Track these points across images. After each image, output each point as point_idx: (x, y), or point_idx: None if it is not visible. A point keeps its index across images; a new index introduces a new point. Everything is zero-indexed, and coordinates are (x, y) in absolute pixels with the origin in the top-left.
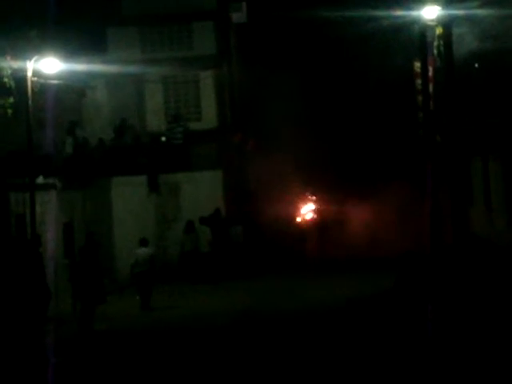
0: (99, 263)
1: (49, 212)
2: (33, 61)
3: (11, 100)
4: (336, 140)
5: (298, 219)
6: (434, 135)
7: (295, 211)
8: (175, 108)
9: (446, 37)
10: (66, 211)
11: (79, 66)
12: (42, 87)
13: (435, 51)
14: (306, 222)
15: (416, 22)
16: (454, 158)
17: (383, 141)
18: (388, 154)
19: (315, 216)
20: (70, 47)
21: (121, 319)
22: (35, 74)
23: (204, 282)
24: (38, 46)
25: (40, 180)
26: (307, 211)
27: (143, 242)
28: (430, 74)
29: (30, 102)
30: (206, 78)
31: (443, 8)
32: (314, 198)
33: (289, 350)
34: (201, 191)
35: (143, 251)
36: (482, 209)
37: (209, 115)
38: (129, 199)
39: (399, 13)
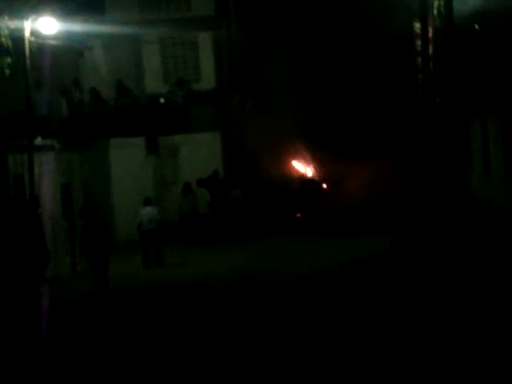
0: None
1: (47, 173)
2: (30, 21)
3: (9, 60)
4: (335, 100)
5: (297, 180)
6: (433, 97)
7: (294, 172)
8: (174, 69)
9: None
10: (65, 172)
11: (77, 27)
12: (40, 47)
13: (435, 11)
14: (305, 182)
15: None
16: (453, 119)
17: (382, 101)
18: (387, 114)
19: (314, 177)
20: (68, 7)
21: (121, 279)
22: (33, 34)
23: (202, 243)
24: (35, 6)
25: (38, 141)
26: (306, 172)
27: (147, 201)
28: (430, 34)
29: (27, 62)
30: (205, 40)
31: None
32: (313, 158)
33: (285, 314)
34: (199, 153)
35: (147, 210)
36: (481, 171)
37: (207, 76)
38: (127, 161)
39: None
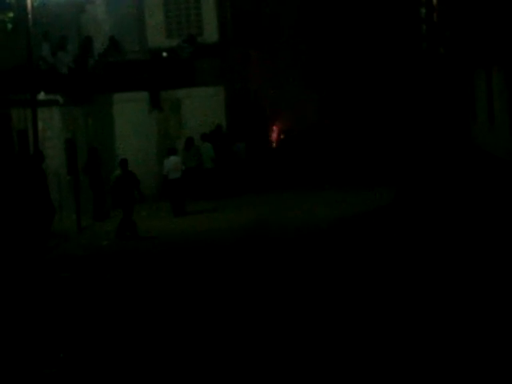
0: (102, 178)
1: (50, 128)
2: None
3: (11, 15)
4: (338, 51)
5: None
6: (437, 48)
7: (298, 126)
8: (176, 23)
9: None
10: (68, 127)
11: None
12: (42, 2)
13: None
14: (308, 136)
15: None
16: (458, 70)
17: (386, 52)
18: (391, 66)
19: (318, 130)
20: None
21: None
22: None
23: (206, 198)
24: None
25: (41, 96)
26: (309, 126)
27: (172, 151)
28: None
29: (29, 16)
30: None
31: None
32: (317, 112)
33: (291, 270)
34: (203, 107)
35: (173, 160)
36: (485, 121)
37: (210, 30)
38: (130, 115)
39: None
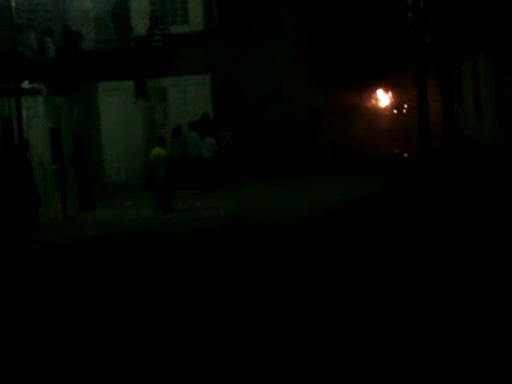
0: (87, 167)
1: (35, 117)
2: None
3: None
4: (324, 40)
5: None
6: (423, 36)
7: (285, 114)
8: (162, 12)
9: None
10: (53, 116)
11: None
12: None
13: None
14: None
15: None
16: (444, 57)
17: (373, 41)
18: (378, 55)
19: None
20: None
21: (108, 224)
22: None
23: (193, 187)
24: None
25: (25, 85)
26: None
27: (161, 142)
28: None
29: (13, 4)
30: None
31: None
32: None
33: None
34: (189, 96)
35: (158, 151)
36: (472, 108)
37: (196, 18)
38: (116, 104)
39: None
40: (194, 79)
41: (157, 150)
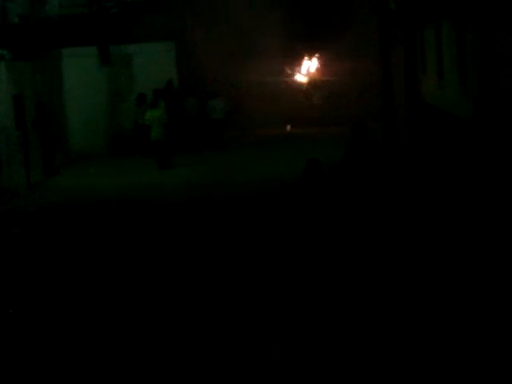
0: (52, 133)
1: None
2: None
3: None
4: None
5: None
6: (387, 2)
7: (247, 80)
8: None
9: None
10: (16, 83)
11: None
12: None
13: None
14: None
15: None
16: (408, 24)
17: (337, 9)
18: (343, 21)
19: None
20: None
21: (72, 191)
22: None
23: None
24: None
25: None
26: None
27: (154, 104)
28: None
29: None
30: None
31: None
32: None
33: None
34: (154, 63)
35: (152, 113)
36: (434, 76)
37: None
38: (80, 71)
39: None
40: (158, 46)
41: (151, 112)
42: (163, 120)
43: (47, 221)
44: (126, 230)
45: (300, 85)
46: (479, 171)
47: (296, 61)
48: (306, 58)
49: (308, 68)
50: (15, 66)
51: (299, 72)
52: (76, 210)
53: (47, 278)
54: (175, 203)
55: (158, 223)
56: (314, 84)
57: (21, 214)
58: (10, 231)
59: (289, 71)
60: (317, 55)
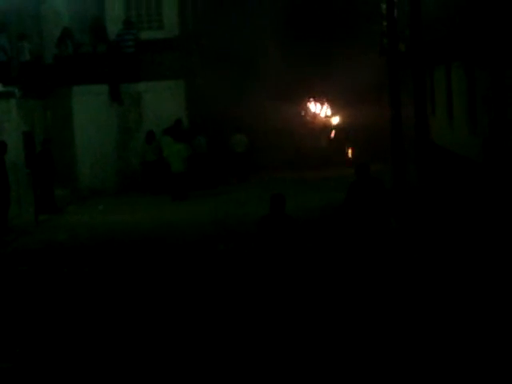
0: (53, 170)
1: (8, 121)
2: None
3: None
4: (298, 50)
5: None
6: (397, 44)
7: (258, 119)
8: (136, 17)
9: None
10: (27, 120)
11: None
12: None
13: None
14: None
15: None
16: (418, 67)
17: (346, 50)
18: (351, 64)
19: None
20: None
21: (81, 228)
22: None
23: (167, 192)
24: None
25: None
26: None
27: (179, 137)
28: None
29: None
30: None
31: None
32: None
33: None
34: (163, 101)
35: (173, 147)
36: (444, 118)
37: (171, 24)
38: (90, 109)
39: None
40: (168, 84)
41: (173, 146)
42: (185, 153)
43: (54, 259)
44: (134, 270)
45: (312, 127)
46: (491, 214)
47: (304, 103)
48: (320, 100)
49: (325, 111)
50: (26, 103)
51: (315, 115)
52: (83, 249)
53: (52, 316)
54: (186, 241)
55: (167, 263)
56: (323, 127)
57: (29, 252)
58: (17, 269)
59: (302, 113)
60: (327, 97)
